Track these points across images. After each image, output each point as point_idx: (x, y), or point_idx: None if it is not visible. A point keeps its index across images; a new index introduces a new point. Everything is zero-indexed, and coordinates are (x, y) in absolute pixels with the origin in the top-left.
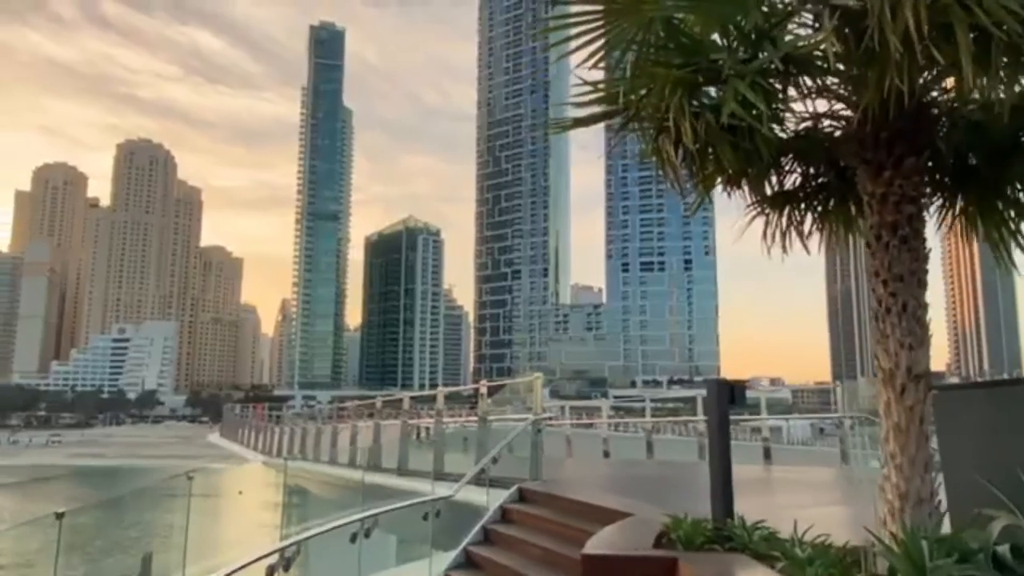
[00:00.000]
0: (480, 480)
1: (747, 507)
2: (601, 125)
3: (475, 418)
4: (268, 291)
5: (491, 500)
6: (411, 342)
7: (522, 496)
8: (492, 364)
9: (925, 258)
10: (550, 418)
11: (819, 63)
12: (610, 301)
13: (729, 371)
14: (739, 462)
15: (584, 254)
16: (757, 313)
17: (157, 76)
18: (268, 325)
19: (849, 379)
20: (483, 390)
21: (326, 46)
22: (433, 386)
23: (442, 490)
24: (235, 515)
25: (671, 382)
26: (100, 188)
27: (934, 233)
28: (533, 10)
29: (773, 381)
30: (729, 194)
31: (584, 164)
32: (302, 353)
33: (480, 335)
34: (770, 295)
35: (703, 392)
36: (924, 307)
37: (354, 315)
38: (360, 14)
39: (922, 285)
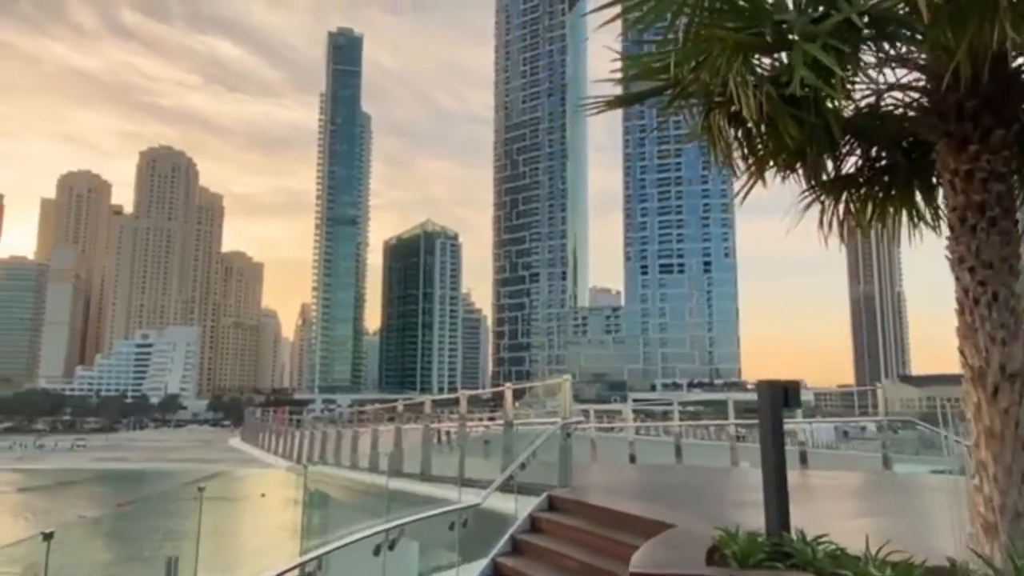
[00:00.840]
0: (507, 487)
1: (796, 517)
2: (619, 126)
3: (500, 422)
4: (288, 296)
5: (519, 508)
6: (430, 346)
7: (552, 504)
8: (511, 367)
9: (1018, 242)
10: (579, 422)
11: (897, 24)
12: (629, 304)
13: (749, 374)
14: None
15: (602, 256)
16: (774, 315)
17: (178, 84)
18: (288, 329)
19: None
20: (509, 393)
21: (344, 52)
22: (452, 389)
23: (468, 497)
24: (257, 520)
25: (691, 385)
26: (123, 195)
27: None
28: (550, 13)
29: None
30: (783, 178)
31: (602, 166)
32: (322, 357)
33: (498, 338)
34: (787, 297)
35: (733, 395)
36: (1018, 297)
37: (373, 319)
38: (377, 20)
39: (1015, 272)
